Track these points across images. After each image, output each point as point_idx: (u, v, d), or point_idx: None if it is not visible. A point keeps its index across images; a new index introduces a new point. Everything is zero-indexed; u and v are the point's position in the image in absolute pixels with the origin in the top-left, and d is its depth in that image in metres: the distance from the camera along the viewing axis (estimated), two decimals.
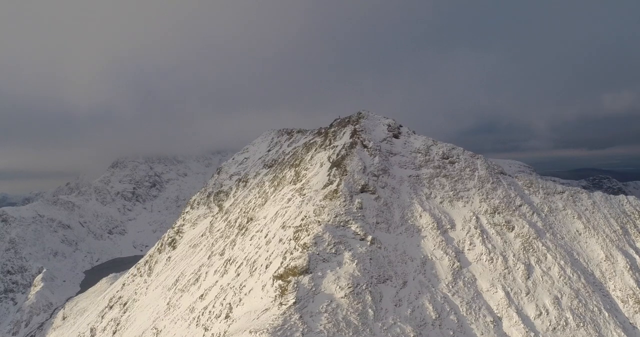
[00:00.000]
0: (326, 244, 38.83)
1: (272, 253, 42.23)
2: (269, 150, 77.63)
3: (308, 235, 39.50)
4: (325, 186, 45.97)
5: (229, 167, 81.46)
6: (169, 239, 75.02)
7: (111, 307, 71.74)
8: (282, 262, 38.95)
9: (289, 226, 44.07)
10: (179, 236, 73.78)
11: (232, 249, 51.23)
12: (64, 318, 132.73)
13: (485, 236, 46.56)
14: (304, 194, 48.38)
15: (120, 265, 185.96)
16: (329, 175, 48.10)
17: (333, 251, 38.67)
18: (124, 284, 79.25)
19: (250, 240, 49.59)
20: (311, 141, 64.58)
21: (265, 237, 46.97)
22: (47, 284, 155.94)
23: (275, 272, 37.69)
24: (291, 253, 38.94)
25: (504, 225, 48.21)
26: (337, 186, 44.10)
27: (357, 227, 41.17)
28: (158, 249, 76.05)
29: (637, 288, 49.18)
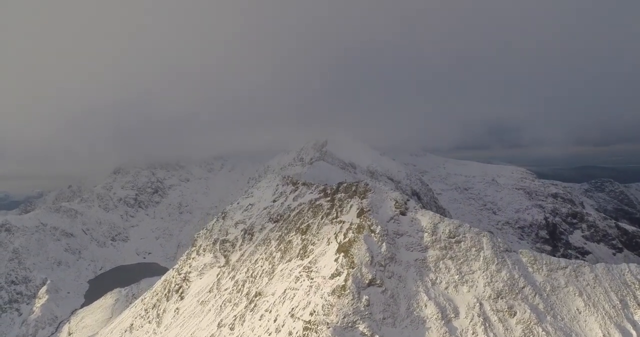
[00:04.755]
0: None
1: None
2: (274, 201, 78.51)
3: None
4: (332, 276, 46.98)
5: (234, 213, 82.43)
6: (176, 286, 76.38)
7: None
8: None
9: (298, 318, 45.24)
10: (186, 284, 75.16)
11: (242, 325, 52.48)
12: (69, 334, 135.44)
13: (487, 324, 47.76)
14: (312, 278, 49.42)
15: (123, 273, 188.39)
16: (336, 260, 49.09)
17: None
18: (132, 325, 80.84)
19: (260, 320, 50.80)
20: (317, 202, 65.35)
21: (275, 321, 48.20)
22: (52, 296, 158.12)
23: None
24: None
25: (506, 311, 49.38)
26: (345, 281, 45.12)
27: (364, 327, 42.36)
28: (165, 294, 77.46)
29: None
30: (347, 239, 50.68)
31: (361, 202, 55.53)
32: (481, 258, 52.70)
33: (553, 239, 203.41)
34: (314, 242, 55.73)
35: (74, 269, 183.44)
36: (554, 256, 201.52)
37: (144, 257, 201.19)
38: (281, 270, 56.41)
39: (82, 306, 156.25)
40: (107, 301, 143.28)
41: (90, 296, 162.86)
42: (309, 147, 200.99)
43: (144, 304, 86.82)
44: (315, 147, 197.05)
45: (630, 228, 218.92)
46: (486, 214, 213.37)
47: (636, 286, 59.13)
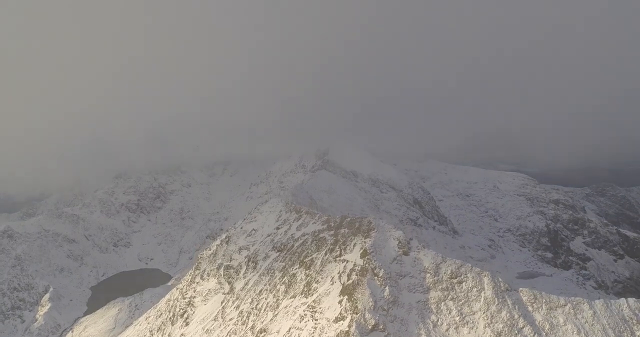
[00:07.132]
0: None
1: None
2: (277, 229, 79.37)
3: None
4: (336, 320, 47.94)
5: (237, 238, 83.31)
6: (181, 310, 77.46)
7: None
8: None
9: None
10: (191, 309, 76.20)
11: None
12: None
13: None
14: (316, 319, 50.37)
15: (126, 279, 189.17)
16: (340, 302, 50.02)
17: None
18: None
19: None
20: (320, 235, 66.25)
21: None
22: (55, 304, 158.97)
23: None
24: None
25: None
26: (349, 327, 46.03)
27: None
28: (170, 318, 78.62)
29: None
30: (350, 281, 51.56)
31: (364, 242, 56.38)
32: (482, 299, 53.53)
33: (554, 246, 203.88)
34: (317, 280, 56.65)
35: (76, 276, 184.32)
36: (555, 263, 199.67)
37: (146, 263, 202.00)
38: (285, 306, 57.35)
39: (85, 314, 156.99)
40: (110, 310, 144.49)
41: (93, 304, 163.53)
42: (311, 154, 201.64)
43: (148, 323, 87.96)
44: (317, 155, 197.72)
45: (631, 234, 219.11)
46: (487, 221, 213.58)
47: (634, 321, 60.01)
